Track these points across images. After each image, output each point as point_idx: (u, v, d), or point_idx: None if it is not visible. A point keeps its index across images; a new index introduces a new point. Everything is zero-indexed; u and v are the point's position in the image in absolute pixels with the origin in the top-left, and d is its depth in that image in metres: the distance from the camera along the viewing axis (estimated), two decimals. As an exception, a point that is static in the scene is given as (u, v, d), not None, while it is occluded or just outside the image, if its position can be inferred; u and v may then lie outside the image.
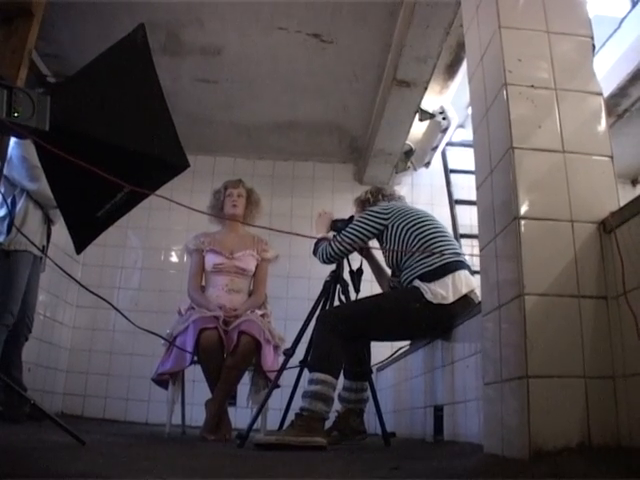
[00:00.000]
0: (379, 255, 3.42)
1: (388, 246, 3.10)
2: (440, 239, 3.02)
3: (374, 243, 3.28)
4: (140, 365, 4.91)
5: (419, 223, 3.07)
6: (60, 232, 3.36)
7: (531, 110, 1.81)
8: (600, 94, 1.88)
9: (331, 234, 3.35)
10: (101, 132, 2.16)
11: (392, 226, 3.10)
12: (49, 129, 1.91)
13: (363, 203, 3.47)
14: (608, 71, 3.89)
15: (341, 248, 3.18)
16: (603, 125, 1.84)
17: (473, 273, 2.98)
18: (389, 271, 3.35)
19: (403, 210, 3.16)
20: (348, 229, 3.18)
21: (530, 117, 1.80)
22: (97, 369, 5.07)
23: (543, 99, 1.83)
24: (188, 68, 4.48)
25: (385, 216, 3.13)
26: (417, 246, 2.99)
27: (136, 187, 2.11)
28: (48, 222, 3.67)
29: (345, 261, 3.36)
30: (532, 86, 1.84)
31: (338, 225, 3.47)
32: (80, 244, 2.43)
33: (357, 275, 3.37)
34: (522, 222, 1.69)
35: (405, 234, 3.05)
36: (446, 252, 2.94)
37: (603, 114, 1.85)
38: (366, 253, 3.48)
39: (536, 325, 1.59)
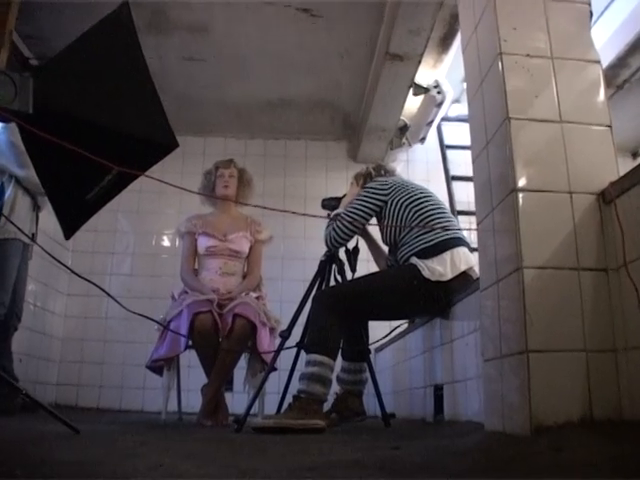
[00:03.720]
0: (375, 233, 3.42)
1: (386, 222, 3.10)
2: (439, 215, 3.02)
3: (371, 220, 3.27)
4: (134, 352, 4.92)
5: (418, 199, 3.06)
6: (48, 219, 3.35)
7: (527, 80, 1.80)
8: (598, 62, 1.87)
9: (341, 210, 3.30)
10: (87, 113, 2.14)
11: (391, 202, 3.09)
12: (33, 112, 1.89)
13: (364, 177, 3.43)
14: (606, 42, 3.86)
15: (345, 231, 3.15)
16: (601, 94, 1.83)
17: (472, 250, 2.98)
18: (386, 249, 3.35)
19: (402, 185, 3.15)
20: (349, 209, 3.16)
21: (526, 87, 1.80)
22: (90, 358, 5.08)
23: (539, 68, 1.82)
24: (175, 46, 4.44)
25: (385, 192, 3.13)
26: (416, 222, 2.99)
27: (125, 168, 2.10)
28: (36, 209, 3.65)
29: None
30: (528, 55, 1.83)
31: (332, 204, 3.46)
32: (69, 229, 2.42)
33: (353, 254, 3.37)
34: (520, 194, 1.68)
35: (404, 210, 3.05)
36: (448, 228, 2.94)
37: (601, 83, 1.85)
38: (362, 231, 3.47)
39: (535, 299, 1.59)
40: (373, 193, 3.15)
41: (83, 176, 2.17)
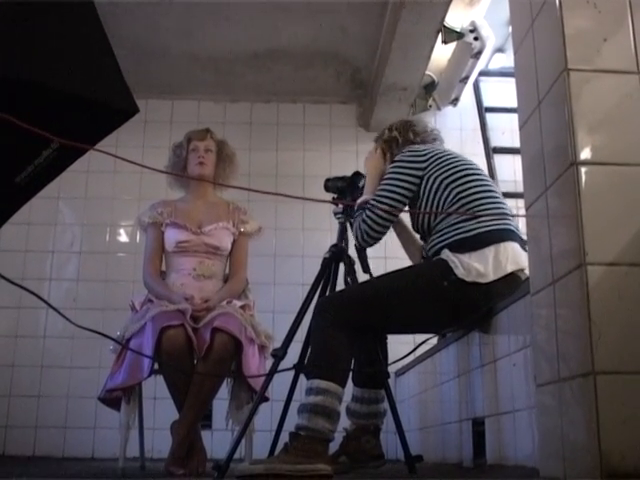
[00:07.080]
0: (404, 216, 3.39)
1: (418, 204, 3.08)
2: (487, 200, 3.00)
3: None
4: (81, 381, 4.93)
5: (463, 177, 3.04)
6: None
7: (594, 18, 1.79)
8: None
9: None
10: (15, 70, 2.13)
11: (428, 178, 3.07)
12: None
13: (389, 144, 3.40)
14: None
15: (379, 221, 3.12)
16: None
17: (526, 247, 2.96)
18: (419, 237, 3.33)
19: (443, 157, 3.13)
20: (381, 190, 3.14)
21: (592, 28, 1.78)
22: (23, 389, 5.06)
23: (611, 2, 1.80)
24: (132, -18, 4.44)
25: (421, 165, 3.10)
26: (455, 208, 2.97)
27: (67, 141, 2.09)
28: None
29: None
30: (595, -15, 1.82)
31: (339, 185, 3.44)
32: (-7, 223, 2.41)
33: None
34: (582, 169, 1.67)
35: (443, 190, 3.02)
36: (498, 217, 2.92)
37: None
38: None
39: (604, 304, 1.58)
40: (408, 167, 3.12)
41: (11, 152, 2.16)
